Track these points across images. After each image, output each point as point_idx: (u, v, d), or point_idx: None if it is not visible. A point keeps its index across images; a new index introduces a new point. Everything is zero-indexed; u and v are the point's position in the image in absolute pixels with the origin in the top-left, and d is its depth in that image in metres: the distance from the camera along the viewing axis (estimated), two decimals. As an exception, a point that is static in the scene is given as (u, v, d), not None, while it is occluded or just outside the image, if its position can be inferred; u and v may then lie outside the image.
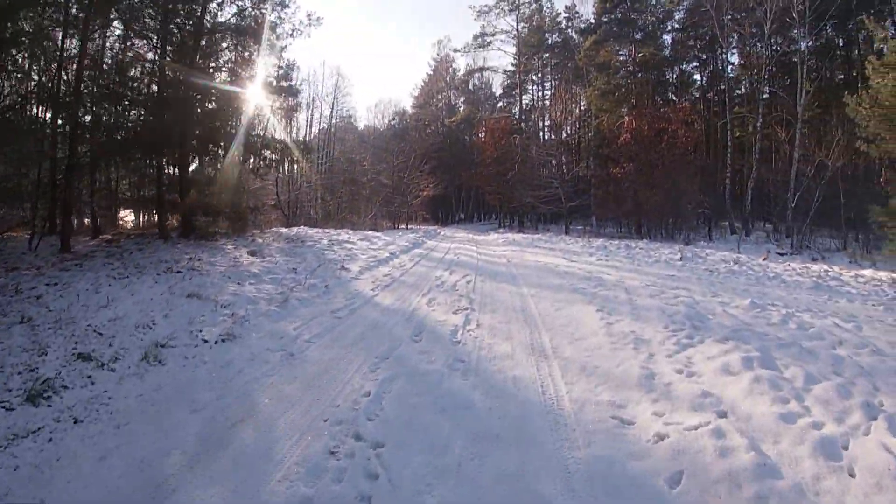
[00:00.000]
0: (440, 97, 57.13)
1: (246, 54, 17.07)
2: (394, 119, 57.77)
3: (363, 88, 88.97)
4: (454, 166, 46.23)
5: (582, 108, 39.93)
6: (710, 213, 25.43)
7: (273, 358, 6.01)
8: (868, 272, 14.94)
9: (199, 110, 15.54)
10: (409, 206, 39.22)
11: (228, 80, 16.65)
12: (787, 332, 7.08)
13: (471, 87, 55.20)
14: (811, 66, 25.91)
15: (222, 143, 16.59)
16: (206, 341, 6.44)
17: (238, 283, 9.55)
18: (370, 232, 24.71)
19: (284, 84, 19.35)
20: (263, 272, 10.85)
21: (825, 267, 15.81)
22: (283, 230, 21.09)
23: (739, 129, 30.26)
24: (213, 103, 16.04)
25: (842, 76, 29.62)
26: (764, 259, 17.22)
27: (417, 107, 58.21)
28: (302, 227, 24.88)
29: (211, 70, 15.97)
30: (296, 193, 34.60)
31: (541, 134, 43.92)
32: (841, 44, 29.67)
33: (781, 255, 19.53)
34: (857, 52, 29.38)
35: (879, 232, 14.88)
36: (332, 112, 41.86)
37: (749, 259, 16.85)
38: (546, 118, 43.99)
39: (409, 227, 38.13)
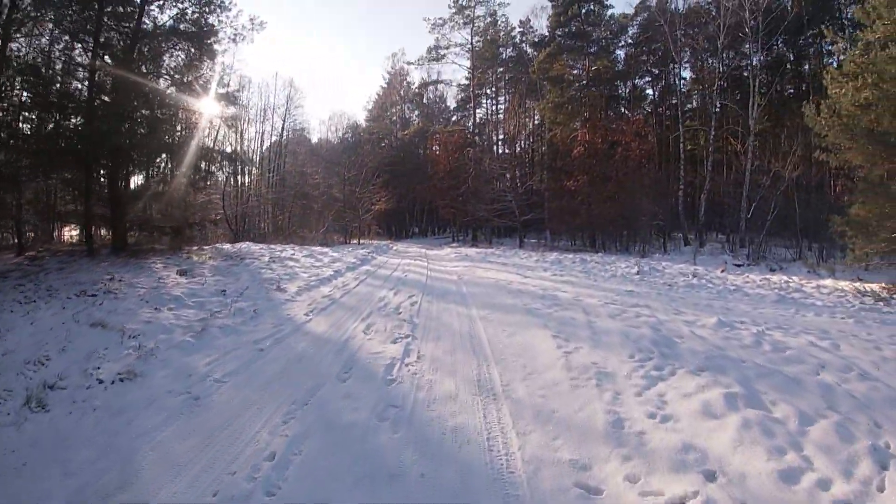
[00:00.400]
0: (394, 110, 56.20)
1: (187, 60, 15.81)
2: (347, 132, 56.47)
3: (317, 101, 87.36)
4: (408, 180, 45.23)
5: (535, 121, 39.62)
6: (665, 226, 25.11)
7: (173, 403, 4.92)
8: (828, 282, 14.58)
9: (136, 118, 14.25)
10: (360, 221, 37.95)
11: (169, 86, 15.46)
12: (764, 356, 6.29)
13: (425, 100, 54.49)
14: (762, 80, 26.05)
15: (163, 154, 15.31)
16: (101, 381, 5.38)
17: (155, 309, 8.25)
18: (319, 248, 23.38)
19: (224, 91, 18.02)
20: (188, 295, 9.54)
21: (784, 277, 15.40)
22: (227, 246, 19.66)
23: (691, 142, 30.27)
24: (152, 111, 14.79)
25: (792, 90, 30.07)
26: (722, 271, 16.75)
27: (371, 120, 57.10)
28: (247, 243, 23.41)
29: (149, 76, 14.66)
30: (243, 208, 32.99)
31: (495, 147, 43.40)
32: (791, 58, 30.14)
33: (738, 266, 19.17)
34: (807, 66, 29.98)
35: (840, 241, 14.50)
36: (283, 124, 40.40)
37: (707, 271, 16.33)
38: (500, 132, 43.59)
39: (362, 242, 36.87)
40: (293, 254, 17.99)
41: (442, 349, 6.62)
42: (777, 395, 4.94)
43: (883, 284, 13.34)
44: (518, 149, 39.86)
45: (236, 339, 7.08)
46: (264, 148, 41.83)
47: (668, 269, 16.53)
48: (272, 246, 21.47)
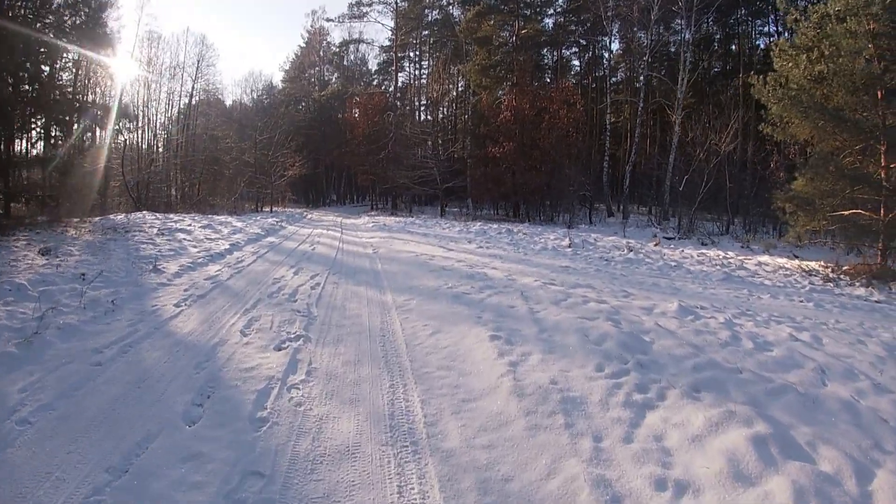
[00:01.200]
0: (312, 72, 52.46)
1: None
2: (262, 94, 52.20)
3: (232, 61, 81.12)
4: (325, 144, 42.27)
5: (460, 88, 37.71)
6: (591, 196, 24.13)
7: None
8: (766, 258, 13.92)
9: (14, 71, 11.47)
10: (273, 188, 34.90)
11: (54, 34, 12.63)
12: (753, 358, 5.02)
13: (346, 62, 51.21)
14: (691, 57, 25.29)
15: (44, 114, 12.55)
16: None
17: (-19, 302, 5.85)
18: (223, 217, 20.69)
19: (94, 29, 14.92)
20: (36, 281, 7.05)
21: (720, 253, 14.59)
22: (119, 217, 16.82)
23: (616, 114, 29.51)
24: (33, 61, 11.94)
25: (717, 69, 29.87)
26: (655, 245, 15.78)
27: (288, 81, 53.00)
28: (145, 212, 20.45)
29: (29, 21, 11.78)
30: (147, 174, 29.30)
31: (417, 114, 41.20)
32: (719, 36, 29.90)
33: (669, 239, 18.37)
34: (734, 45, 29.83)
35: (780, 218, 13.79)
36: (194, 85, 36.27)
37: (640, 245, 15.30)
38: (423, 97, 41.33)
39: (274, 210, 33.98)
40: (189, 225, 15.48)
41: (343, 358, 4.75)
42: (806, 427, 3.53)
43: (822, 263, 12.76)
44: (441, 115, 37.89)
45: (75, 345, 4.89)
46: (174, 110, 37.83)
47: (599, 242, 15.35)
48: (170, 216, 18.65)
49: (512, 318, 5.96)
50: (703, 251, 14.84)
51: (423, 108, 41.95)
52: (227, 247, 11.92)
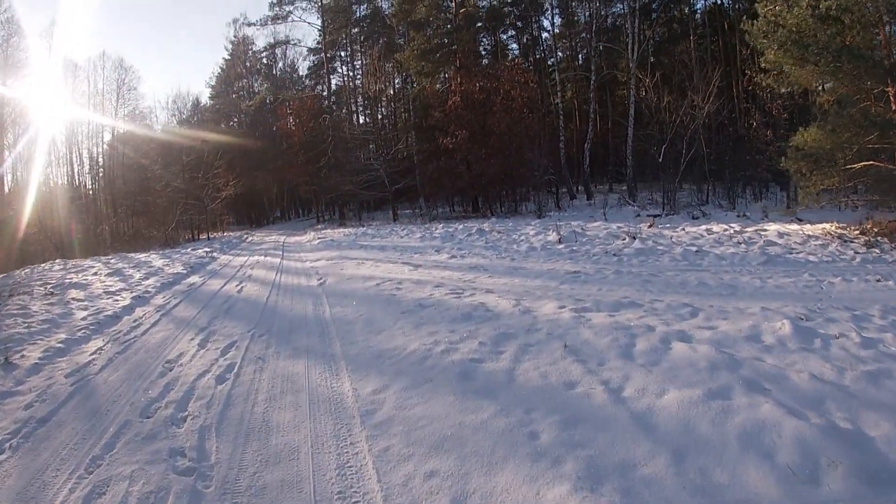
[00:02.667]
0: (241, 84, 48.11)
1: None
2: (189, 114, 47.45)
3: (157, 84, 75.09)
4: (262, 159, 38.35)
5: (397, 85, 34.55)
6: (556, 180, 21.48)
7: None
8: (778, 227, 11.73)
9: None
10: (207, 212, 30.95)
11: None
12: None
13: (275, 71, 47.05)
14: (638, 24, 22.98)
15: None
16: None
17: None
18: (143, 256, 17.06)
19: None
20: None
21: (724, 226, 12.36)
22: (24, 272, 13.53)
23: (562, 93, 27.09)
24: None
25: (658, 37, 27.87)
26: (650, 226, 13.25)
27: (215, 97, 48.52)
28: (57, 261, 16.89)
29: None
30: (68, 215, 25.47)
31: (355, 116, 37.80)
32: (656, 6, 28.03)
33: (656, 216, 15.96)
34: (675, 11, 28.05)
35: (797, 180, 11.46)
36: (116, 111, 31.89)
37: (636, 228, 12.70)
38: (359, 98, 37.94)
39: (212, 236, 30.17)
40: (94, 274, 12.27)
41: None
42: None
43: (838, 224, 11.35)
44: (381, 114, 34.63)
45: None
46: (98, 141, 33.37)
47: (588, 231, 12.62)
48: (81, 264, 15.05)
49: (592, 424, 3.05)
50: (708, 226, 12.40)
51: (360, 110, 38.63)
52: (129, 302, 8.63)
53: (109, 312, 7.82)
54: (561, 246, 11.06)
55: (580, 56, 30.66)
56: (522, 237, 12.55)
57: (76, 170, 32.21)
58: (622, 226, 13.52)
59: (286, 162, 33.59)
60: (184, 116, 46.31)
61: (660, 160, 17.38)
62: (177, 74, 78.89)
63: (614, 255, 9.70)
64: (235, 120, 46.58)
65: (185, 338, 6.16)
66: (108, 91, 31.21)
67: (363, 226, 24.65)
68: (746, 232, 11.18)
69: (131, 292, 9.55)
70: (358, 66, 39.44)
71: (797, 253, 8.90)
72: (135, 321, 7.36)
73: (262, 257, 14.48)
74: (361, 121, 37.10)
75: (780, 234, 10.59)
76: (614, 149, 26.89)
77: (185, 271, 12.22)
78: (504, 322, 5.25)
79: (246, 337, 5.88)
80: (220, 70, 49.11)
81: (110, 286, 10.43)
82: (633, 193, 22.50)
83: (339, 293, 7.96)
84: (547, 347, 4.33)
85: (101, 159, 33.13)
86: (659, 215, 16.23)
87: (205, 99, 49.45)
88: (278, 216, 47.67)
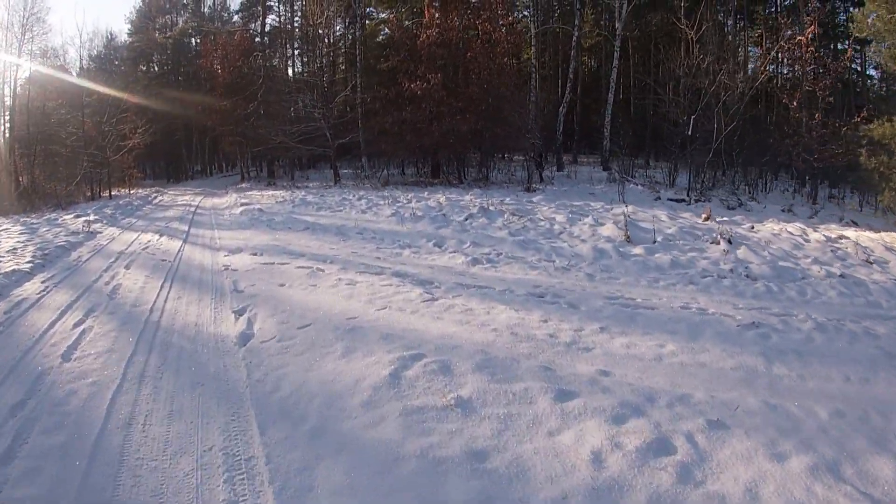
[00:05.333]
0: (163, 21, 39.43)
1: None
2: (103, 52, 38.56)
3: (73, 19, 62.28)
4: (181, 104, 31.06)
5: (345, 25, 28.39)
6: (542, 146, 16.87)
7: None
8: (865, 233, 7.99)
9: None
10: (111, 165, 23.84)
11: None
12: None
13: (203, 9, 38.83)
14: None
15: None
16: None
17: None
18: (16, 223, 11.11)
19: None
20: None
21: (804, 227, 8.43)
22: None
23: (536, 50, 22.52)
24: None
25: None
26: (706, 219, 9.15)
27: (135, 33, 39.70)
28: None
29: None
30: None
31: (291, 61, 31.27)
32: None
33: (680, 202, 11.99)
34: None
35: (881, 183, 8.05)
36: (21, 47, 23.67)
37: (705, 224, 8.54)
38: (296, 44, 31.35)
39: (120, 193, 23.39)
40: None
41: None
42: None
43: None
44: (323, 59, 28.36)
45: None
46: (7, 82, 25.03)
47: (644, 224, 8.29)
48: None
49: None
50: (778, 226, 8.47)
51: (298, 56, 32.08)
52: None
53: None
54: (636, 249, 6.69)
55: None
56: (556, 227, 8.01)
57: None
58: (678, 217, 9.37)
59: (209, 107, 26.92)
60: (95, 53, 37.75)
61: (688, 133, 13.21)
62: (95, 7, 66.19)
63: (765, 281, 5.43)
64: (155, 60, 38.71)
65: None
66: (12, 23, 23.20)
67: (298, 188, 19.20)
68: (841, 242, 7.30)
69: None
70: (297, 8, 32.62)
71: None
72: None
73: (158, 237, 8.95)
74: (299, 67, 30.90)
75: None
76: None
77: (28, 266, 6.72)
78: None
79: None
80: (140, 3, 40.23)
81: None
82: (608, 167, 18.67)
83: (293, 384, 3.12)
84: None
85: (7, 101, 25.32)
86: (684, 201, 12.25)
87: (124, 37, 40.64)
88: (199, 171, 40.21)
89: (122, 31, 44.55)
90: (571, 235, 7.61)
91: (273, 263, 6.09)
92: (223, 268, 6.10)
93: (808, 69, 13.23)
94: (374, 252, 6.72)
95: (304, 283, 5.20)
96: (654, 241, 7.20)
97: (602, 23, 23.32)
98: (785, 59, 13.08)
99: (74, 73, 30.09)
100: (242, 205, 12.95)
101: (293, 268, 5.80)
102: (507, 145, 18.08)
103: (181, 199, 19.16)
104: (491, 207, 9.24)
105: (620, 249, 6.69)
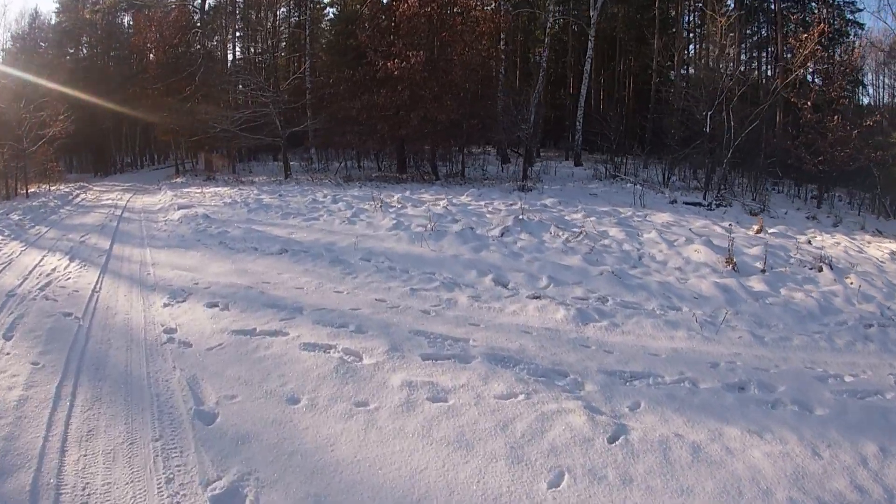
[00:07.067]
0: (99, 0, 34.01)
1: None
2: (29, 31, 32.76)
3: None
4: (110, 88, 26.52)
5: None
6: (525, 139, 14.59)
7: None
8: None
9: None
10: (26, 158, 19.33)
11: None
12: None
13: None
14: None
15: None
16: None
17: None
18: None
19: None
20: None
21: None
22: None
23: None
24: None
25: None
26: (759, 231, 7.36)
27: (63, 11, 34.04)
28: None
29: None
30: None
31: (235, 41, 27.38)
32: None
33: (695, 204, 10.27)
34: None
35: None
36: None
37: (747, 234, 6.76)
38: (240, 21, 27.53)
39: (40, 189, 19.05)
40: None
41: None
42: None
43: None
44: (273, 34, 24.78)
45: None
46: None
47: (718, 240, 6.33)
48: None
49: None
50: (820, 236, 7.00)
51: (239, 39, 28.19)
52: None
53: None
54: (754, 282, 4.73)
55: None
56: (626, 247, 5.83)
57: None
58: (724, 226, 7.55)
59: (140, 89, 22.85)
60: (16, 32, 32.21)
61: (706, 130, 11.40)
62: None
63: None
64: (84, 42, 33.23)
65: None
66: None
67: (244, 183, 16.15)
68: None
69: None
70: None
71: None
72: None
73: (67, 262, 5.85)
74: (242, 50, 27.17)
75: None
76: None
77: None
78: None
79: None
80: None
81: None
82: (580, 163, 17.17)
83: None
84: None
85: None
86: (701, 204, 10.47)
87: (53, 18, 34.86)
88: (129, 163, 35.20)
89: (51, 13, 38.58)
90: (654, 259, 5.51)
91: (254, 333, 3.50)
92: (165, 338, 3.46)
93: (817, 68, 11.93)
94: (410, 299, 4.22)
95: (335, 403, 2.65)
96: (764, 271, 5.24)
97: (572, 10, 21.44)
98: (796, 59, 11.52)
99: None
100: (181, 207, 9.94)
101: (296, 348, 3.22)
102: (484, 137, 15.83)
103: (107, 196, 15.54)
104: (524, 216, 6.93)
105: (745, 285, 4.67)
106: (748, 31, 17.54)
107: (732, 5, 15.29)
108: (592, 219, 7.45)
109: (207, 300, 4.18)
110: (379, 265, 5.07)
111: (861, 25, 18.64)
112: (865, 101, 20.50)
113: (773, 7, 17.66)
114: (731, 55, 12.49)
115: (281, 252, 5.66)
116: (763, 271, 5.23)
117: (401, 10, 12.66)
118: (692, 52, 20.66)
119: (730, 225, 7.89)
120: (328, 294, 4.33)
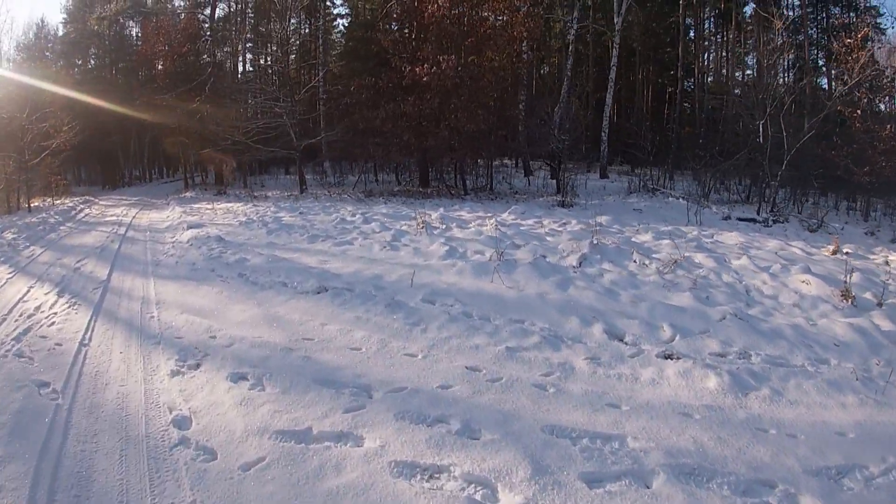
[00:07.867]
0: (102, 10, 33.14)
1: None
2: (35, 41, 32.05)
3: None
4: (118, 101, 25.60)
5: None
6: (560, 151, 13.45)
7: None
8: None
9: None
10: (28, 170, 18.20)
11: None
12: None
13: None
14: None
15: None
16: None
17: None
18: None
19: None
20: None
21: None
22: None
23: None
24: None
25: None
26: (834, 251, 6.25)
27: (71, 22, 33.28)
28: None
29: None
30: None
31: (245, 51, 26.45)
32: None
33: (753, 221, 9.19)
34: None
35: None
36: None
37: (823, 256, 5.65)
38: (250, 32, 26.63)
39: (44, 204, 17.85)
40: None
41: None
42: None
43: None
44: (287, 41, 23.83)
45: None
46: None
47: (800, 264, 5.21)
48: None
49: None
50: None
51: (250, 48, 27.23)
52: None
53: None
54: (881, 320, 3.60)
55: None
56: (725, 277, 4.74)
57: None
58: (799, 247, 6.48)
59: (147, 100, 21.85)
60: (24, 43, 31.46)
61: (759, 140, 10.27)
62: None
63: None
64: (92, 53, 32.51)
65: None
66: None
67: (257, 198, 15.09)
68: None
69: None
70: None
71: None
72: None
73: (56, 298, 4.63)
74: (250, 61, 26.32)
75: None
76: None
77: None
78: None
79: None
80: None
81: None
82: (606, 174, 16.43)
83: None
84: None
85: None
86: (756, 220, 9.33)
87: (60, 29, 34.19)
88: (137, 176, 34.23)
89: (58, 24, 37.92)
90: (763, 294, 4.46)
91: (310, 437, 2.33)
92: (176, 438, 2.33)
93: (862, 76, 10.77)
94: (511, 365, 3.06)
95: None
96: (881, 304, 4.15)
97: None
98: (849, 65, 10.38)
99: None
100: (191, 227, 8.84)
101: (386, 473, 2.05)
102: (509, 148, 14.76)
103: (112, 212, 14.47)
104: (598, 241, 5.79)
105: (876, 324, 3.61)
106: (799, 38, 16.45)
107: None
108: (666, 241, 6.30)
109: (231, 368, 3.05)
110: (449, 310, 3.91)
111: (883, 31, 17.70)
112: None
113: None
114: (783, 62, 11.34)
115: (319, 291, 4.50)
116: (880, 305, 4.15)
117: (430, 10, 11.60)
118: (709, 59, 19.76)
119: (803, 245, 6.80)
120: (398, 359, 3.17)
